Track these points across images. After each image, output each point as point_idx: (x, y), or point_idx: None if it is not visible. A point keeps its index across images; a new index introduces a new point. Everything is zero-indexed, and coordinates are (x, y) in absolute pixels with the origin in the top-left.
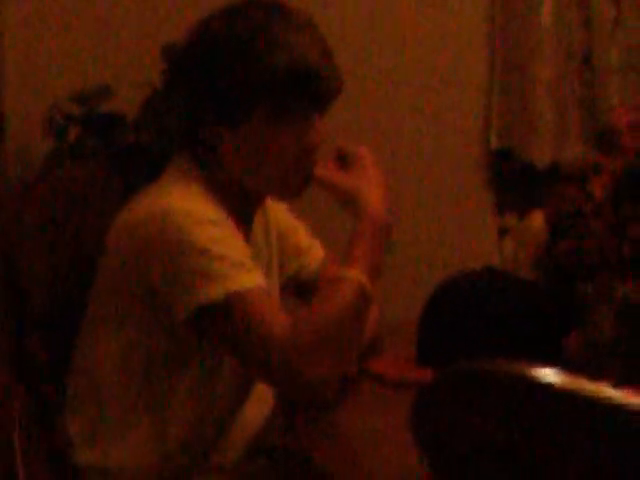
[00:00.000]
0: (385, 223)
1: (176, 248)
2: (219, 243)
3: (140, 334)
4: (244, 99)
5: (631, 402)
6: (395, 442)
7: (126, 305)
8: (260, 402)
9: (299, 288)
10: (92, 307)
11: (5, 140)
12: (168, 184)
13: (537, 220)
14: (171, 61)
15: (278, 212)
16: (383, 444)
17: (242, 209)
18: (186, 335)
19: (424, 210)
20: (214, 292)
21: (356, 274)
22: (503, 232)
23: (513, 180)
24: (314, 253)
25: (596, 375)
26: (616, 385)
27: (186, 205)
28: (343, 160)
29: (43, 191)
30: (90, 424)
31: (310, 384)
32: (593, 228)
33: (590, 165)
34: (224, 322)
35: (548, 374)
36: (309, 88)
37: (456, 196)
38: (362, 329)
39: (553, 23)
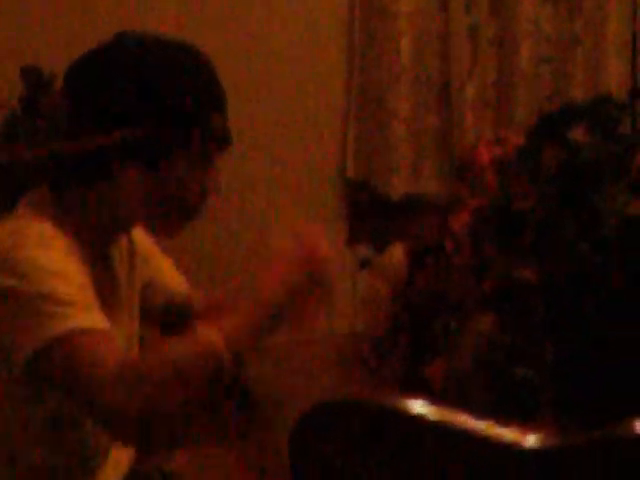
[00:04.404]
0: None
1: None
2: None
3: None
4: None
5: (494, 434)
6: None
7: None
8: (117, 466)
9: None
10: None
11: None
12: (23, 219)
13: (397, 253)
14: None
15: (141, 237)
16: None
17: (99, 244)
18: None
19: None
20: (47, 333)
21: (209, 334)
22: (363, 264)
23: (368, 211)
24: (177, 281)
25: (460, 405)
26: (479, 415)
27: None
28: None
29: None
30: None
31: (128, 423)
32: (453, 264)
33: (451, 200)
34: (54, 364)
35: (416, 405)
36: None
37: (309, 224)
38: (200, 383)
39: (412, 57)
